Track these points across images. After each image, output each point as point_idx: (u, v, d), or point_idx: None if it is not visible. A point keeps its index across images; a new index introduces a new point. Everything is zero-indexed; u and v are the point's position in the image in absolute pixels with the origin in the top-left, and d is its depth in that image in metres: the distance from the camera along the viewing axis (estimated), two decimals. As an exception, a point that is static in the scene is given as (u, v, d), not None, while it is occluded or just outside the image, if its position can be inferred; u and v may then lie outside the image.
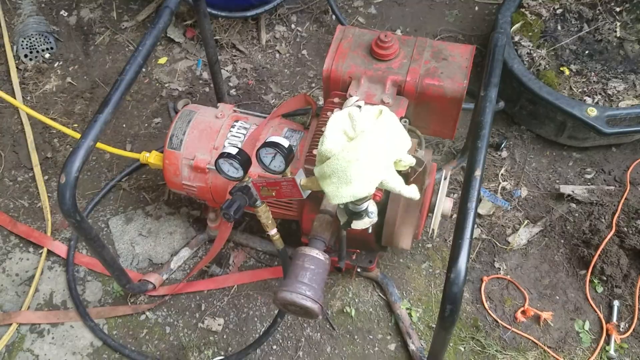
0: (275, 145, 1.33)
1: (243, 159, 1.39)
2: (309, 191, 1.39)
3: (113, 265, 1.68)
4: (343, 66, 1.64)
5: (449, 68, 1.60)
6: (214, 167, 1.76)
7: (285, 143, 1.35)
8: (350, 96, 1.60)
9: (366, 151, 1.11)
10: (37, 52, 2.59)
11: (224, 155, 1.39)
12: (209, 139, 1.80)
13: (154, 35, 1.60)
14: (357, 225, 1.39)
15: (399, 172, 1.22)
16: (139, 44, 1.57)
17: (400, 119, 1.56)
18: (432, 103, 1.62)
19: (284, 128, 1.83)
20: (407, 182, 1.29)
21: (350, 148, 1.12)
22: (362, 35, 1.71)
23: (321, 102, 2.45)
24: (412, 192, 1.19)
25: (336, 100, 1.64)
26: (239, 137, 1.81)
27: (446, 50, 1.65)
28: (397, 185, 1.17)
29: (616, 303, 1.87)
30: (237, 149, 1.40)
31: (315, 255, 1.41)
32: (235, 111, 1.91)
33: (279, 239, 1.57)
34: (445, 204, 1.68)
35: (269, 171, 1.38)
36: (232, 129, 1.82)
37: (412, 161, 1.19)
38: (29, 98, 2.47)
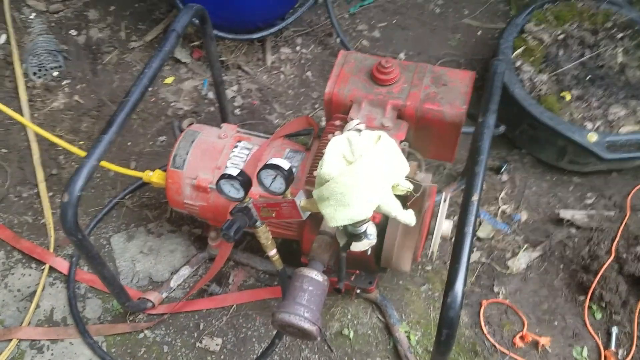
0: (276, 167, 1.35)
1: (244, 180, 1.41)
2: (309, 212, 1.41)
3: (113, 284, 1.69)
4: (344, 90, 1.67)
5: (449, 93, 1.63)
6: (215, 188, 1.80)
7: (286, 165, 1.36)
8: (351, 119, 1.62)
9: (364, 175, 1.13)
10: (46, 70, 2.64)
11: (225, 177, 1.41)
12: (211, 158, 1.83)
13: (160, 57, 1.63)
14: (356, 247, 1.40)
15: (398, 195, 1.23)
16: (145, 66, 1.60)
17: (400, 142, 1.58)
18: (431, 127, 1.64)
19: (286, 149, 1.85)
20: (406, 206, 1.31)
21: (348, 172, 1.14)
22: (364, 60, 1.74)
23: (323, 124, 2.48)
24: (408, 217, 1.20)
25: (337, 123, 1.66)
26: (242, 157, 1.83)
27: (446, 76, 1.67)
28: (394, 209, 1.18)
29: (615, 330, 1.87)
30: (238, 170, 1.42)
31: (314, 276, 1.42)
32: (238, 131, 1.93)
33: (279, 260, 1.58)
34: (444, 226, 1.69)
35: (270, 192, 1.40)
36: (234, 149, 1.85)
37: (410, 186, 1.21)
38: (36, 115, 2.51)
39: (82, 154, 1.89)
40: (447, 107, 1.60)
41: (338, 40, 2.70)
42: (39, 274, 2.05)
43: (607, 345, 1.86)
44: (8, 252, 2.11)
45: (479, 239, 2.07)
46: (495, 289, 1.98)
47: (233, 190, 1.43)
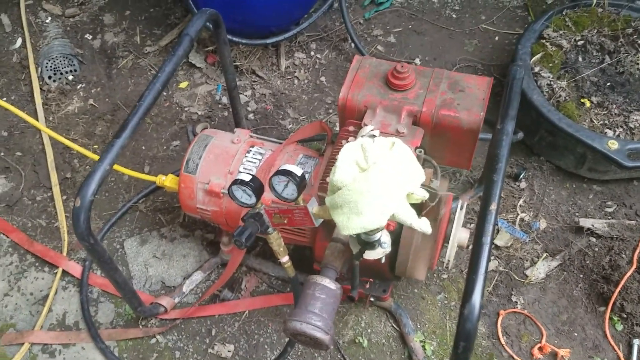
0: (287, 173, 1.34)
1: (256, 186, 1.40)
2: (321, 220, 1.39)
3: (125, 288, 1.68)
4: (359, 95, 1.64)
5: (466, 99, 1.59)
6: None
7: (298, 171, 1.35)
8: (366, 125, 1.59)
9: (378, 183, 1.10)
10: (61, 74, 2.65)
11: (237, 182, 1.39)
12: (224, 163, 1.81)
13: (173, 62, 1.62)
14: (370, 255, 1.37)
15: (413, 204, 1.21)
16: (159, 71, 1.59)
17: (416, 148, 1.55)
18: (448, 134, 1.61)
19: (299, 154, 1.83)
20: (421, 214, 1.28)
21: (361, 179, 1.12)
22: (379, 65, 1.71)
23: (337, 129, 2.46)
24: (423, 225, 1.17)
25: (351, 128, 1.64)
26: (254, 163, 1.81)
27: (463, 81, 1.64)
28: (409, 218, 1.16)
29: (636, 342, 1.81)
30: (251, 176, 1.40)
31: (327, 284, 1.40)
32: (251, 136, 1.92)
33: (291, 267, 1.56)
34: (461, 234, 1.66)
35: (282, 199, 1.38)
36: (247, 155, 1.83)
37: (425, 195, 1.18)
38: (51, 119, 2.52)
39: (96, 157, 1.89)
40: (464, 114, 1.57)
41: (352, 45, 2.68)
42: (52, 278, 2.05)
43: (628, 358, 1.81)
44: (22, 255, 2.11)
45: (496, 248, 2.03)
46: (514, 299, 1.93)
47: (245, 196, 1.41)
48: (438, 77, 1.66)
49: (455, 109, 1.58)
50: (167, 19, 2.86)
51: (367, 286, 1.78)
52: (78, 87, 2.64)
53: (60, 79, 2.65)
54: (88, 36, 2.81)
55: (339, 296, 1.41)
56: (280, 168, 1.34)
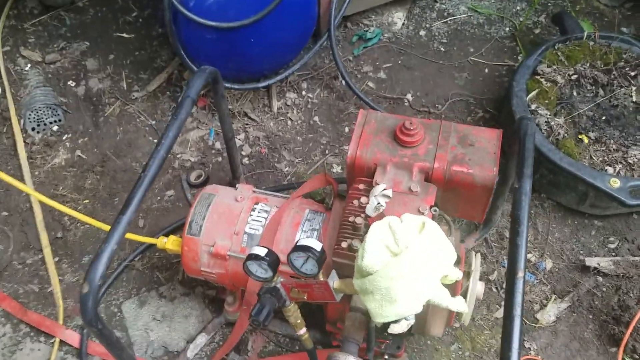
0: (307, 249, 1.29)
1: (272, 260, 1.35)
2: (342, 294, 1.34)
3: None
4: (368, 152, 1.61)
5: (477, 154, 1.57)
6: (235, 255, 1.73)
7: (318, 245, 1.30)
8: (377, 184, 1.55)
9: (411, 269, 1.06)
10: (45, 125, 2.56)
11: (252, 257, 1.34)
12: (229, 223, 1.75)
13: (176, 126, 1.55)
14: (395, 329, 1.32)
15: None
16: (162, 137, 1.52)
17: (430, 207, 1.52)
18: (460, 190, 1.58)
19: (305, 210, 1.78)
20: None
21: (394, 265, 1.08)
22: (385, 119, 1.68)
23: (335, 170, 2.42)
24: (459, 305, 1.13)
25: (361, 187, 1.59)
26: (260, 222, 1.76)
27: (472, 135, 1.62)
28: (444, 300, 1.12)
29: (653, 385, 1.81)
30: (266, 250, 1.35)
31: (351, 361, 1.35)
32: (254, 192, 1.86)
33: (308, 339, 1.50)
34: (477, 288, 1.63)
35: (301, 274, 1.33)
36: (252, 213, 1.78)
37: (459, 275, 1.15)
38: (37, 173, 2.43)
39: (85, 219, 1.80)
40: (476, 170, 1.54)
41: (344, 82, 2.65)
42: (49, 349, 1.95)
43: (645, 402, 1.80)
44: (15, 325, 2.01)
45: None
46: (527, 344, 1.91)
47: (260, 271, 1.36)
48: (446, 130, 1.63)
49: (467, 164, 1.55)
50: (154, 62, 2.80)
51: (383, 347, 1.74)
52: (64, 137, 2.55)
53: (44, 130, 2.55)
54: (71, 83, 2.73)
55: (364, 372, 1.36)
56: (299, 243, 1.30)
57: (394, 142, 1.62)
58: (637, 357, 1.85)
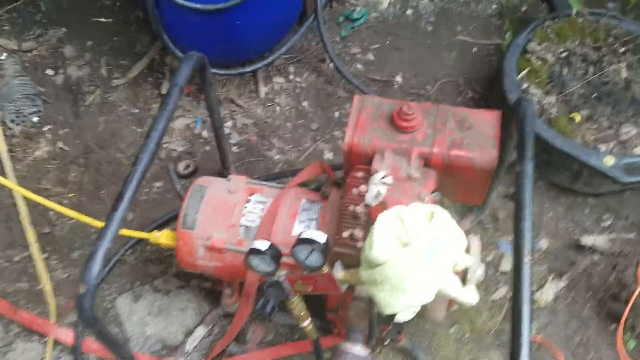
0: (311, 242, 1.25)
1: (274, 253, 1.32)
2: (347, 285, 1.32)
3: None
4: (365, 139, 1.57)
5: (476, 137, 1.54)
6: (232, 247, 1.70)
7: (322, 238, 1.27)
8: (376, 171, 1.52)
9: (423, 259, 1.04)
10: (25, 116, 2.47)
11: (254, 252, 1.31)
12: (224, 216, 1.71)
13: (165, 117, 1.50)
14: (401, 318, 1.31)
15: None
16: (151, 129, 1.47)
17: (431, 192, 1.49)
18: (460, 174, 1.56)
19: (301, 199, 1.75)
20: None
21: (404, 255, 1.05)
22: (381, 104, 1.64)
23: (327, 156, 2.38)
24: (470, 296, 1.12)
25: (359, 175, 1.56)
26: (256, 213, 1.72)
27: (470, 117, 1.59)
28: (455, 290, 1.10)
29: (651, 360, 1.84)
30: (268, 243, 1.32)
31: (357, 352, 1.33)
32: (247, 182, 1.82)
33: (313, 330, 1.48)
34: (478, 270, 1.61)
35: (305, 267, 1.30)
36: (247, 204, 1.74)
37: (470, 262, 1.13)
38: (18, 167, 2.35)
39: (71, 213, 1.75)
40: (476, 153, 1.52)
41: (332, 65, 2.60)
42: (42, 348, 1.90)
43: (643, 377, 1.82)
44: (5, 325, 1.95)
45: (503, 273, 2.01)
46: (525, 325, 1.92)
47: (262, 265, 1.33)
48: (444, 114, 1.60)
49: (466, 148, 1.53)
50: (133, 48, 2.71)
51: (384, 333, 1.72)
52: (44, 129, 2.47)
53: (24, 121, 2.46)
54: (49, 72, 2.63)
55: (370, 362, 1.35)
56: (302, 236, 1.26)
57: (391, 128, 1.59)
58: (636, 334, 1.87)
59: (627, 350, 1.86)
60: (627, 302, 1.86)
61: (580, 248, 2.06)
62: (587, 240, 2.05)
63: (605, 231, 2.11)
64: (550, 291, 1.97)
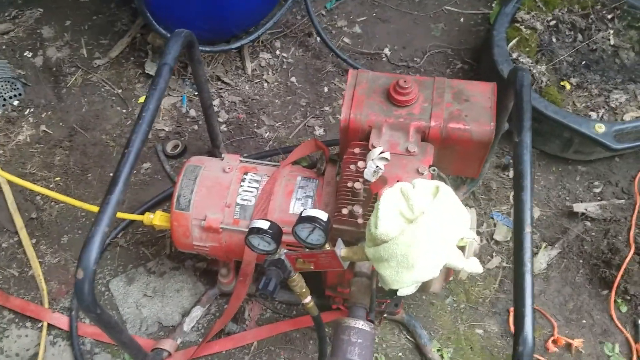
0: (313, 219, 1.24)
1: (275, 232, 1.30)
2: (349, 262, 1.31)
3: (131, 345, 1.55)
4: (361, 115, 1.55)
5: (473, 110, 1.54)
6: (228, 227, 1.68)
7: (324, 216, 1.26)
8: (374, 147, 1.51)
9: (429, 235, 1.03)
10: (5, 100, 2.40)
11: (255, 231, 1.29)
12: (219, 196, 1.69)
13: (156, 97, 1.46)
14: (403, 292, 1.31)
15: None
16: (142, 109, 1.43)
17: (429, 167, 1.49)
18: (457, 147, 1.55)
19: (297, 177, 1.73)
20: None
21: (410, 231, 1.04)
22: (376, 79, 1.62)
23: (318, 132, 2.36)
24: (474, 266, 1.12)
25: (357, 150, 1.55)
26: (252, 192, 1.70)
27: (466, 90, 1.58)
28: (460, 263, 1.10)
29: (642, 322, 1.88)
30: (269, 223, 1.30)
31: (361, 327, 1.33)
32: (241, 161, 1.80)
33: (314, 307, 1.47)
34: (474, 243, 1.62)
35: (307, 245, 1.29)
36: (242, 183, 1.71)
37: (474, 236, 1.13)
38: (1, 152, 2.28)
39: (60, 197, 1.70)
40: (473, 126, 1.51)
41: (319, 39, 2.56)
42: (37, 334, 1.88)
43: (636, 339, 1.86)
44: (-3, 312, 1.93)
45: (496, 243, 2.03)
46: (520, 294, 1.94)
47: (263, 244, 1.32)
48: (440, 87, 1.59)
49: (464, 121, 1.52)
50: (114, 26, 2.64)
51: (383, 306, 1.73)
52: (26, 112, 2.40)
53: (4, 105, 2.40)
54: (28, 54, 2.55)
55: (374, 336, 1.35)
56: (304, 214, 1.25)
57: (387, 103, 1.57)
58: (628, 297, 1.91)
59: (619, 314, 1.90)
60: (619, 267, 1.90)
61: (572, 215, 2.08)
62: (579, 207, 2.06)
63: (596, 198, 2.13)
64: (543, 259, 1.99)
